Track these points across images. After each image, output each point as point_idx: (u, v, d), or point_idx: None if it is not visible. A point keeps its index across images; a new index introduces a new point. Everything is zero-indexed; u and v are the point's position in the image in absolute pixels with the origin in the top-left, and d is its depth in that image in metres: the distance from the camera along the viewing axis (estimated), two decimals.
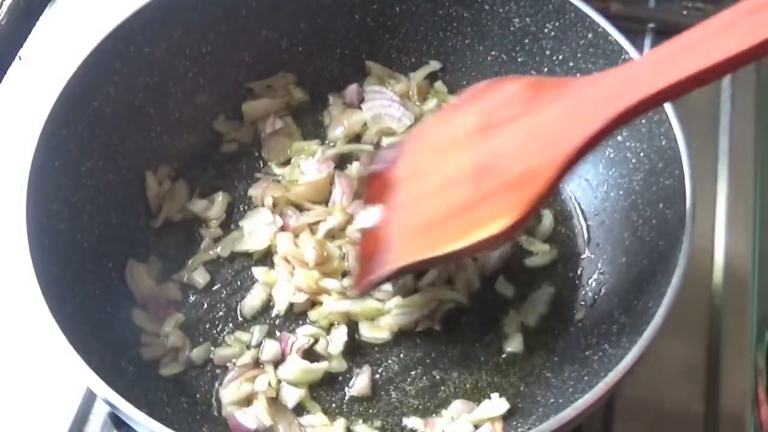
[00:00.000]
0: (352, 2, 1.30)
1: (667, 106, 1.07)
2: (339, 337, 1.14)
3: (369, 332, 1.15)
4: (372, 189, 1.16)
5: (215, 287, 1.20)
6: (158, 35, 1.20)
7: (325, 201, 1.25)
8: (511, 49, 1.27)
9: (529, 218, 0.95)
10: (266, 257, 1.21)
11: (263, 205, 1.24)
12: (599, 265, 1.19)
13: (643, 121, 1.11)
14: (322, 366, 1.12)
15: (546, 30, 1.21)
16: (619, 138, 1.17)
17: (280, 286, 1.18)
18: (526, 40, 1.24)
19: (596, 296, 1.16)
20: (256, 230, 1.22)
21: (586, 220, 1.24)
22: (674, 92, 0.85)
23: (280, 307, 1.17)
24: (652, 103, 0.87)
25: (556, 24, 1.19)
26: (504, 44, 1.27)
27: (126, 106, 1.20)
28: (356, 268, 1.15)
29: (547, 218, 1.24)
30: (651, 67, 0.87)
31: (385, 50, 1.34)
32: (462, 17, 1.28)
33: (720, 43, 0.80)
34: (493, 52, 1.29)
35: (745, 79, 1.42)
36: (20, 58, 1.47)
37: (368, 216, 1.13)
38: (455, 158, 1.03)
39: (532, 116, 0.96)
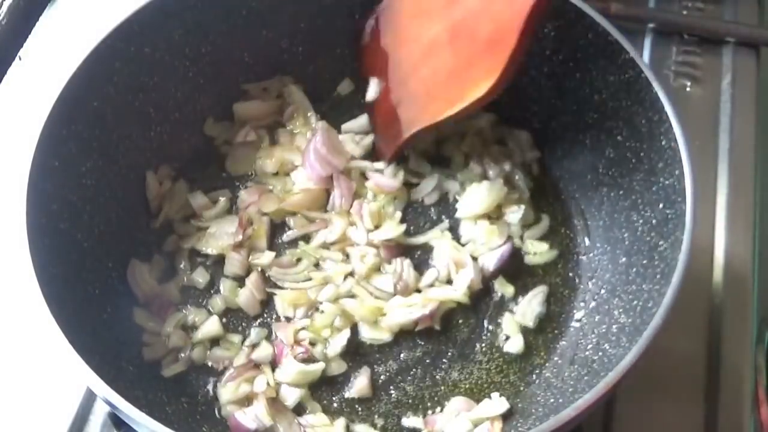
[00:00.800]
0: (352, 2, 1.30)
1: (667, 106, 1.07)
2: (338, 341, 1.14)
3: (369, 333, 1.15)
4: (368, 61, 1.23)
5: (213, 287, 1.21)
6: (158, 35, 1.20)
7: (322, 208, 1.25)
8: None
9: (509, 74, 1.01)
10: (221, 260, 1.21)
11: (245, 210, 1.24)
12: (599, 265, 1.19)
13: (643, 121, 1.11)
14: (318, 367, 1.12)
15: (546, 30, 1.21)
16: (619, 138, 1.17)
17: (281, 291, 1.19)
18: None
19: (596, 296, 1.16)
20: (218, 235, 1.22)
21: (586, 220, 1.24)
22: None
23: (280, 312, 1.18)
24: None
25: (556, 24, 1.19)
26: None
27: (126, 106, 1.20)
28: (377, 141, 1.24)
29: (545, 219, 1.24)
30: None
31: None
32: None
33: None
34: None
35: (745, 79, 1.42)
36: (20, 58, 1.47)
37: (371, 90, 1.26)
38: (429, 25, 1.09)
39: None
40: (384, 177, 1.25)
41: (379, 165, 1.26)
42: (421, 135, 1.20)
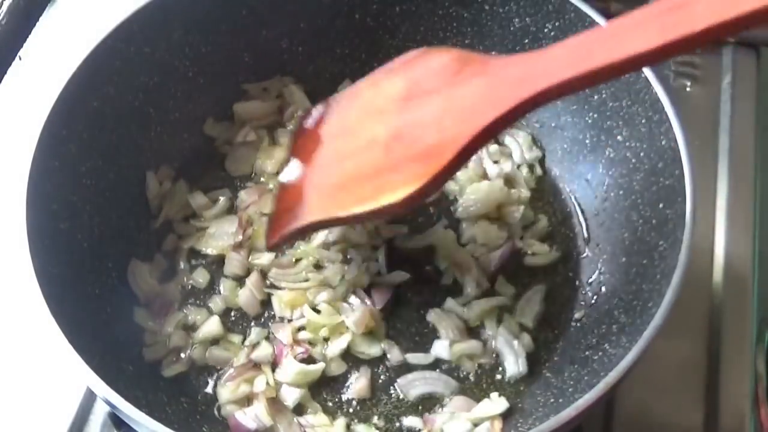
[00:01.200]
0: (352, 2, 1.30)
1: (667, 106, 1.07)
2: (338, 343, 1.13)
3: (360, 346, 1.14)
4: (299, 144, 1.18)
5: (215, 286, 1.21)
6: (158, 35, 1.20)
7: None
8: (511, 49, 1.27)
9: (432, 189, 0.97)
10: (221, 260, 1.21)
11: (245, 210, 1.24)
12: (599, 265, 1.19)
13: (643, 121, 1.11)
14: (318, 368, 1.12)
15: (546, 30, 1.21)
16: (619, 138, 1.17)
17: (279, 292, 1.19)
18: (526, 40, 1.24)
19: (596, 296, 1.16)
20: (218, 235, 1.22)
21: (586, 220, 1.24)
22: (585, 82, 0.86)
23: (278, 313, 1.18)
24: (563, 89, 0.88)
25: (556, 24, 1.19)
26: (504, 44, 1.27)
27: (126, 106, 1.20)
28: (272, 222, 1.16)
29: (543, 219, 1.24)
30: (566, 55, 0.88)
31: (385, 50, 1.34)
32: (462, 17, 1.28)
33: (632, 39, 0.81)
34: (493, 52, 1.28)
35: (745, 79, 1.42)
36: (20, 58, 1.47)
37: (289, 170, 1.15)
38: (375, 124, 1.06)
39: (451, 90, 0.98)
40: None
41: None
42: (317, 228, 1.14)
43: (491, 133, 0.93)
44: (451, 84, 0.99)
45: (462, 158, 0.94)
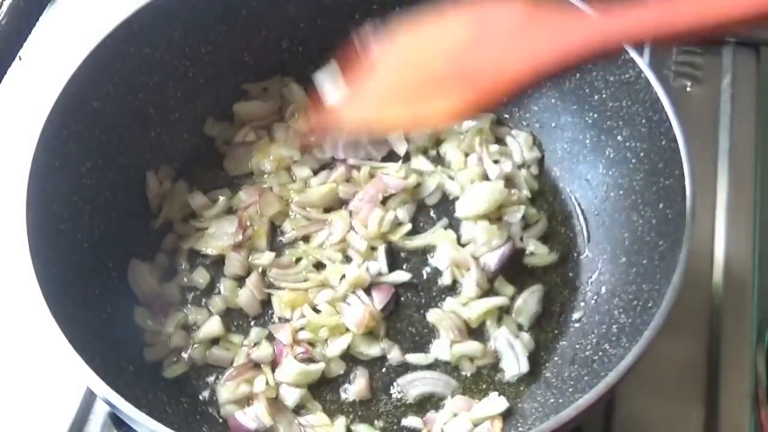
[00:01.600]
0: (352, 2, 1.30)
1: (667, 106, 1.07)
2: (338, 344, 1.13)
3: (360, 346, 1.14)
4: (350, 71, 1.16)
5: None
6: (158, 35, 1.20)
7: (337, 207, 1.25)
8: None
9: (468, 111, 1.00)
10: (221, 260, 1.21)
11: (245, 210, 1.23)
12: (599, 265, 1.19)
13: (643, 121, 1.11)
14: (318, 368, 1.12)
15: None
16: (619, 138, 1.17)
17: (279, 292, 1.18)
18: None
19: (596, 296, 1.16)
20: (218, 235, 1.22)
21: (586, 220, 1.24)
22: (633, 36, 0.90)
23: (278, 313, 1.18)
24: (613, 43, 0.91)
25: None
26: None
27: (126, 106, 1.20)
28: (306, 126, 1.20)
29: (543, 219, 1.24)
30: (637, 13, 0.89)
31: None
32: None
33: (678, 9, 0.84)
34: None
35: (745, 79, 1.42)
36: (20, 58, 1.47)
37: (336, 93, 1.12)
38: (434, 58, 1.07)
39: (513, 36, 1.01)
40: (393, 177, 1.25)
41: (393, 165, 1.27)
42: (346, 130, 1.12)
43: (539, 75, 0.95)
44: (512, 32, 1.01)
45: (502, 91, 0.97)
